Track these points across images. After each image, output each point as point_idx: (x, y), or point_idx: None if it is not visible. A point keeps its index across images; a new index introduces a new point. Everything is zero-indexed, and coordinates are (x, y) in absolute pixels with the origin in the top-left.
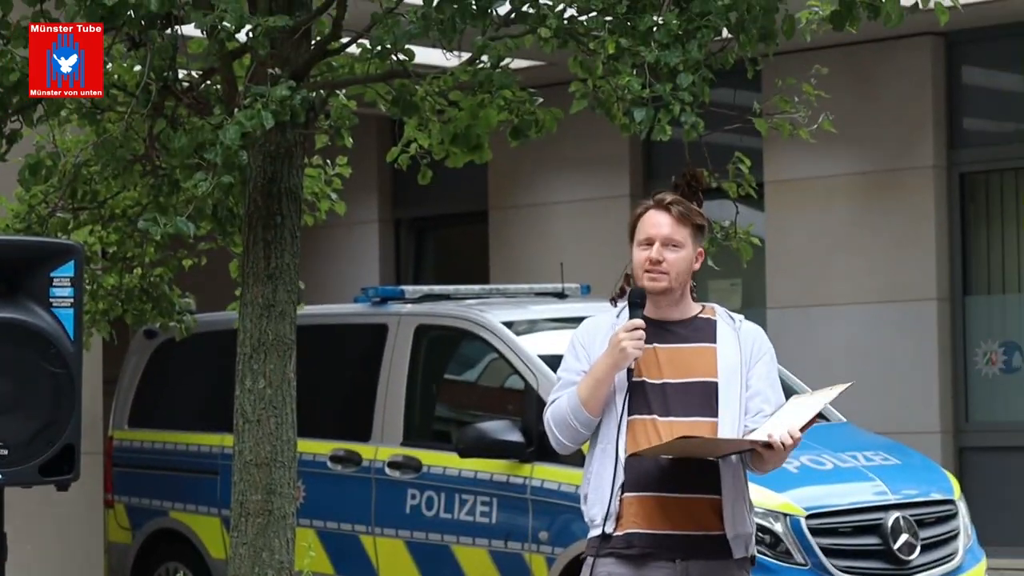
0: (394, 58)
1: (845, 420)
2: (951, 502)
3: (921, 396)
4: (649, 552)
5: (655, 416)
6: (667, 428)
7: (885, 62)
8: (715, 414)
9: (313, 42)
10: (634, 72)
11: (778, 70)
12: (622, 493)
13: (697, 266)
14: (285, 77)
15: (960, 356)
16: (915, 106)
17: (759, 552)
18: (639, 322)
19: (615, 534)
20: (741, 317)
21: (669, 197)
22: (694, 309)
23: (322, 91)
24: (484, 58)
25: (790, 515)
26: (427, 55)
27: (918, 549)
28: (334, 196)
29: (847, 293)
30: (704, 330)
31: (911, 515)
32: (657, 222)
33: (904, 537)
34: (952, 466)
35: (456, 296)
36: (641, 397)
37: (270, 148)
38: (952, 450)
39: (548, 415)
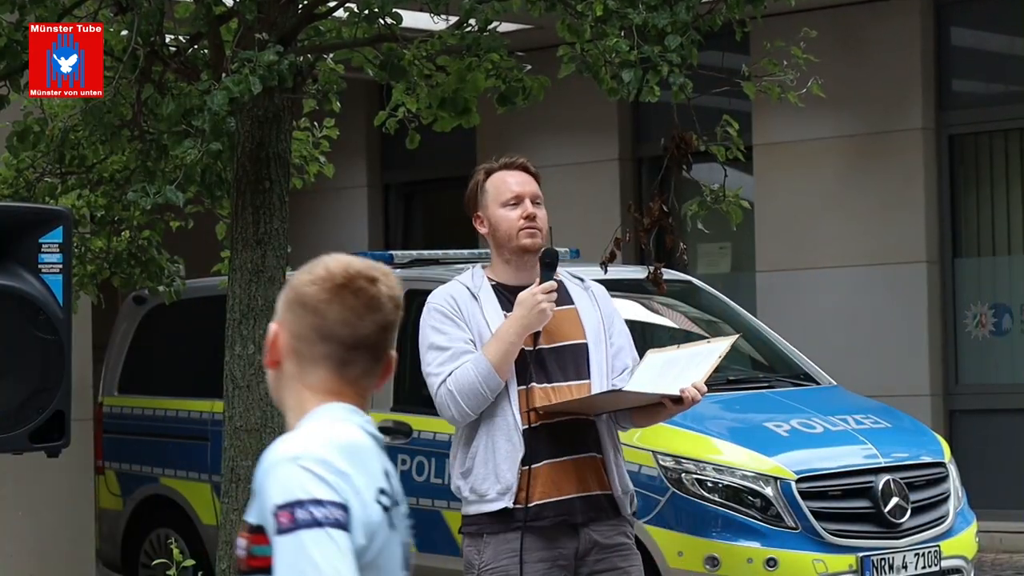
0: (381, 22)
1: (835, 383)
2: (941, 465)
3: (911, 359)
4: (560, 520)
5: (532, 384)
6: (547, 395)
7: (874, 24)
8: (587, 376)
9: (300, 6)
10: (622, 34)
11: (766, 33)
12: (523, 464)
13: None
14: (273, 42)
15: (950, 318)
16: (904, 68)
17: (750, 516)
18: (555, 284)
19: (517, 507)
20: (584, 275)
21: (516, 157)
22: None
23: (309, 56)
24: (472, 21)
25: (780, 479)
26: (415, 19)
27: (908, 512)
28: (322, 159)
29: (836, 256)
30: (559, 292)
31: (901, 478)
32: (520, 180)
33: (894, 500)
34: (942, 429)
35: (445, 260)
36: (520, 365)
37: (258, 113)
38: (942, 413)
39: (451, 386)
